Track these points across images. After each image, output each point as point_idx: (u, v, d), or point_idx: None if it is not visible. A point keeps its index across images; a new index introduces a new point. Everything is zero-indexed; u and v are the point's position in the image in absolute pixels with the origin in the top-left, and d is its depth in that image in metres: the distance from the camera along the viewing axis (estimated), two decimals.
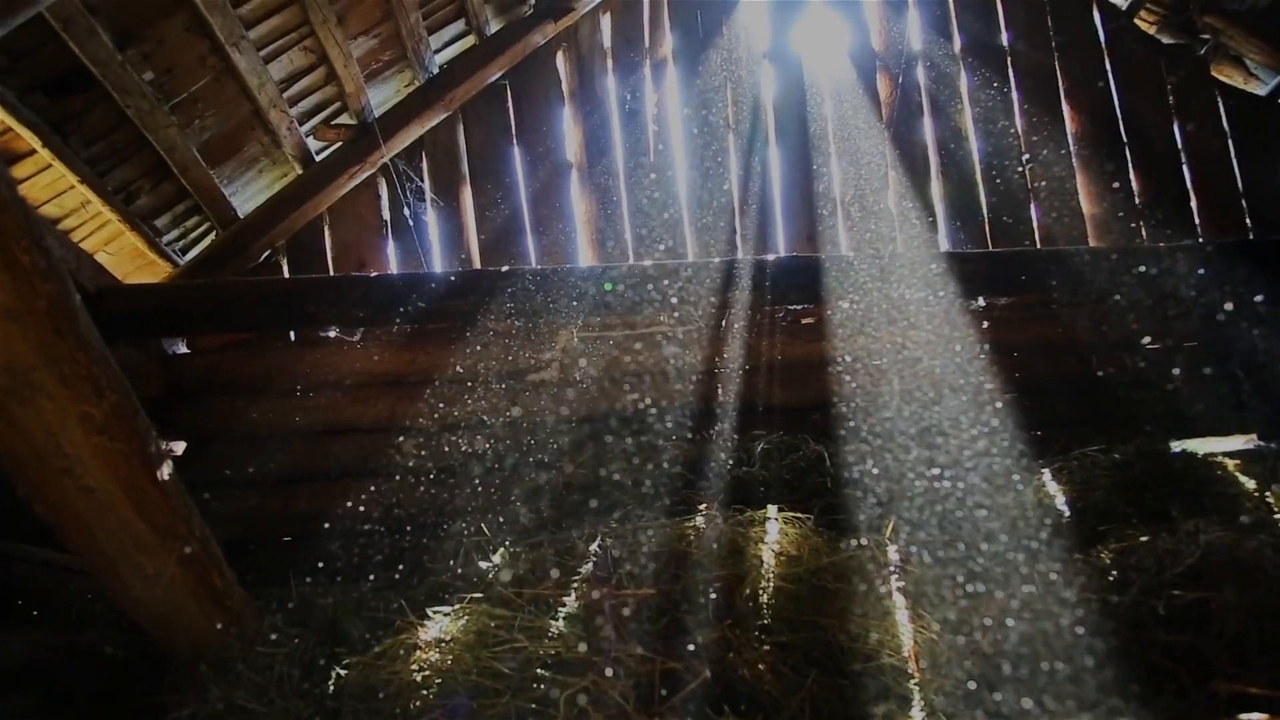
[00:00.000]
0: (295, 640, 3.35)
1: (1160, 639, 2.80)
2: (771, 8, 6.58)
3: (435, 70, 5.96)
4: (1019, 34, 6.65)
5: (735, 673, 2.92)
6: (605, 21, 6.40)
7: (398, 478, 4.69)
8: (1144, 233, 6.40)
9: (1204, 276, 5.10)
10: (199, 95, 4.90)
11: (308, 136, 5.61)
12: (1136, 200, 6.45)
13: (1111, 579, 3.12)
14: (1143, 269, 5.05)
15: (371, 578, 3.98)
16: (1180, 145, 6.56)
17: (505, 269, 5.05)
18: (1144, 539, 3.25)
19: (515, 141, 6.17)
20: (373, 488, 4.69)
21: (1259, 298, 4.90)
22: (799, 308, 5.30)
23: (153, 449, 2.60)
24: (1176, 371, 5.49)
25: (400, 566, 4.05)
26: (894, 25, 6.59)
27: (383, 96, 5.89)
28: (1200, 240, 6.17)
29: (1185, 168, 6.52)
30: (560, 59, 6.32)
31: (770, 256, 5.45)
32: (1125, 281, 5.30)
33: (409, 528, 4.46)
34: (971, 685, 3.00)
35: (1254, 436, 5.14)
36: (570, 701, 2.76)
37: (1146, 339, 5.31)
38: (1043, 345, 5.43)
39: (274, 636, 3.37)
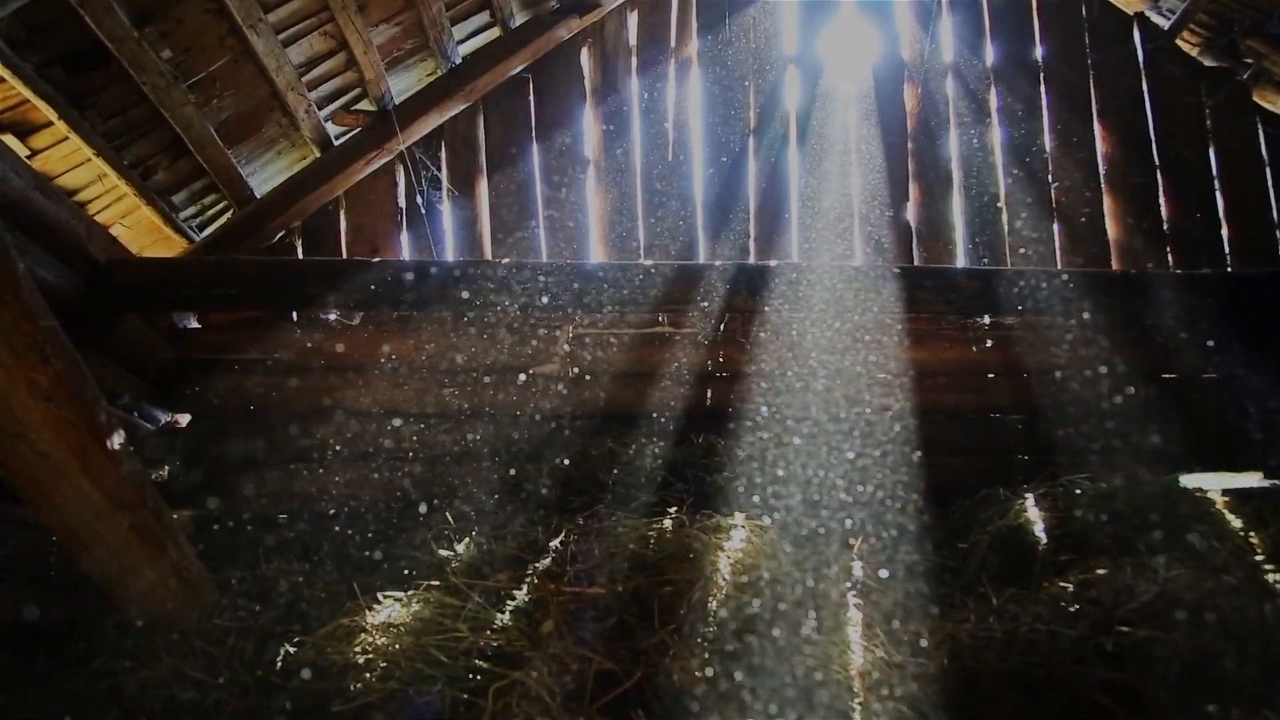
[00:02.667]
0: (253, 616, 3.41)
1: (1102, 676, 2.73)
2: (801, 12, 6.53)
3: (457, 60, 6.02)
4: (1054, 51, 6.52)
5: (669, 678, 2.91)
6: (631, 19, 6.40)
7: (383, 462, 4.76)
8: (1170, 258, 6.23)
9: (1214, 307, 4.97)
10: (217, 75, 5.00)
11: (326, 121, 5.69)
12: (1165, 225, 6.28)
13: (1066, 610, 3.05)
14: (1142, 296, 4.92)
15: (343, 559, 4.04)
16: (1215, 171, 6.38)
17: (505, 260, 5.09)
18: (1101, 571, 3.18)
19: (534, 135, 6.21)
20: (360, 471, 4.77)
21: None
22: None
23: (102, 418, 2.66)
24: (1187, 403, 5.38)
25: (372, 550, 4.10)
26: (925, 36, 6.49)
27: (404, 84, 5.96)
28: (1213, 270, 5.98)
29: (1219, 194, 6.34)
30: (584, 55, 6.34)
31: (774, 262, 5.42)
32: (1139, 308, 5.18)
33: (387, 512, 4.53)
34: (912, 710, 2.97)
35: (1261, 474, 4.99)
36: (498, 694, 2.78)
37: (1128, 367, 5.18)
38: (1048, 367, 5.32)
39: (233, 610, 3.44)
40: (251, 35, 4.87)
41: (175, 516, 4.79)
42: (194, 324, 5.43)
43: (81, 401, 2.60)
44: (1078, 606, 3.07)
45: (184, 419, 5.22)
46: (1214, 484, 4.74)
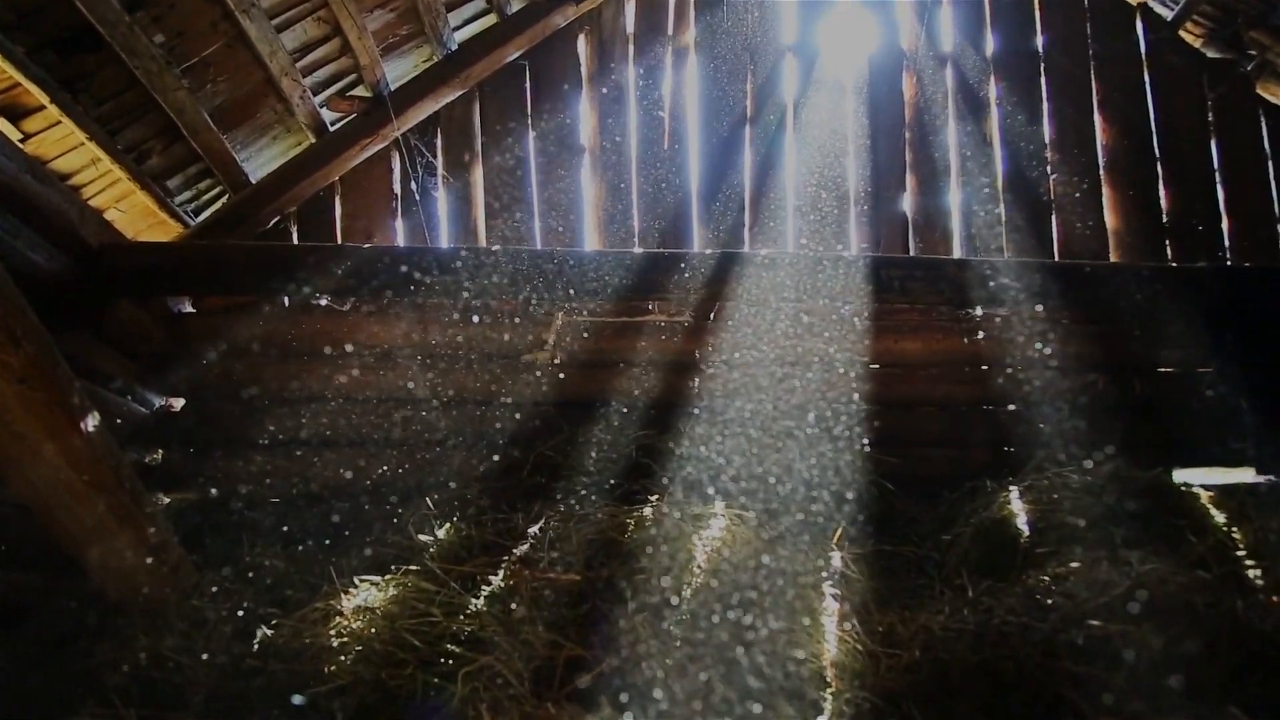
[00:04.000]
0: (233, 598, 3.44)
1: (1069, 669, 2.72)
2: (799, 1, 6.49)
3: (454, 47, 6.01)
4: (1055, 41, 6.46)
5: (638, 665, 2.92)
6: (629, 6, 6.37)
7: (371, 448, 4.79)
8: (1169, 251, 6.19)
9: (1210, 302, 4.93)
10: (211, 60, 5.01)
11: (322, 107, 5.70)
12: (1164, 218, 6.23)
13: (1039, 604, 3.05)
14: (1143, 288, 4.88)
15: (326, 543, 4.07)
16: (1217, 164, 6.33)
17: (494, 248, 5.09)
18: (1074, 564, 3.17)
19: (530, 122, 6.19)
20: (347, 455, 4.80)
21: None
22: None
23: (75, 400, 2.68)
24: (1181, 398, 5.36)
25: (355, 534, 4.12)
26: (924, 25, 6.45)
27: (400, 71, 5.95)
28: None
29: (1220, 187, 6.28)
30: (581, 42, 6.31)
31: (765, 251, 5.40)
32: (1133, 302, 5.15)
33: (372, 497, 4.55)
34: (882, 700, 2.97)
35: (1254, 470, 4.96)
36: (467, 678, 2.79)
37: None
38: (1040, 360, 5.30)
39: (214, 593, 3.47)
40: (244, 20, 4.87)
41: (167, 500, 4.89)
42: (188, 308, 5.44)
43: (54, 384, 2.63)
44: (1050, 600, 3.07)
45: (178, 403, 5.26)
46: (1207, 480, 4.74)
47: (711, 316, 5.01)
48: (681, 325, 5.00)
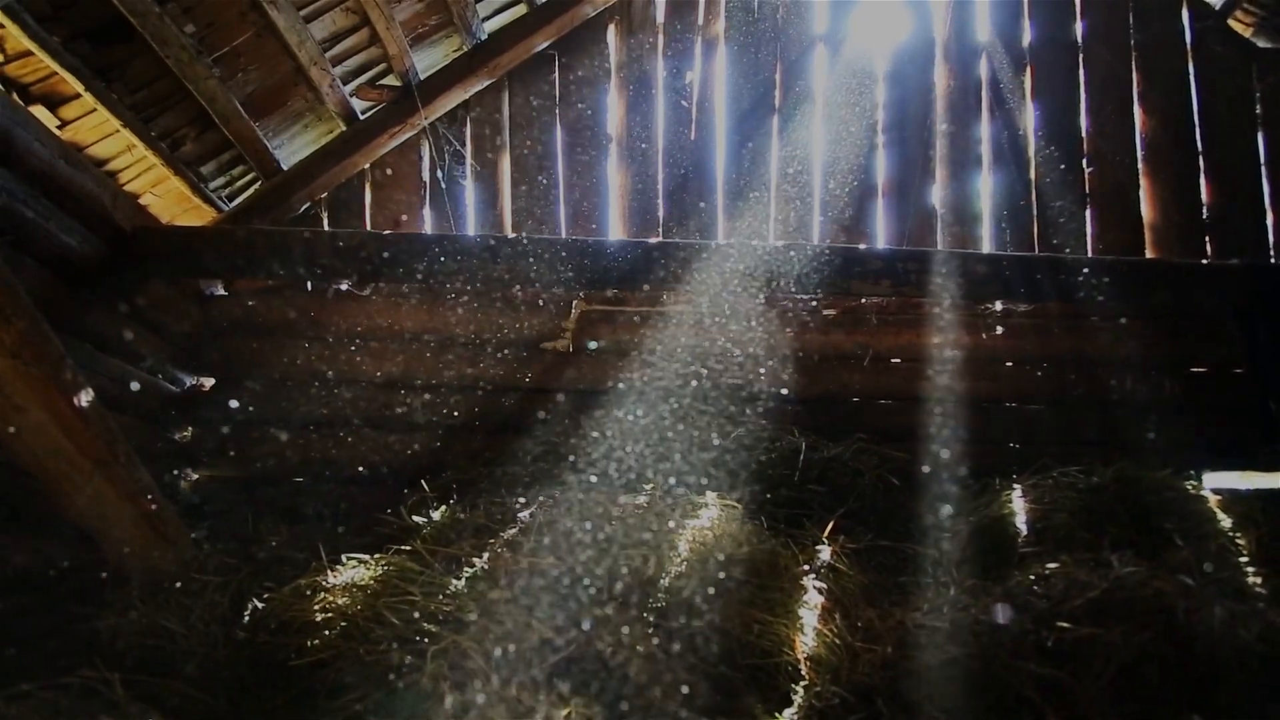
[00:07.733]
0: (231, 572, 3.56)
1: (1035, 672, 2.68)
2: None
3: (483, 37, 6.07)
4: (1095, 30, 6.29)
5: (607, 650, 2.95)
6: None
7: (387, 430, 4.90)
8: (1210, 247, 6.01)
9: (1245, 300, 4.79)
10: (241, 50, 5.14)
11: (351, 96, 5.81)
12: (1204, 213, 6.04)
13: (1015, 604, 3.00)
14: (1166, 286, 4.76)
15: (330, 521, 4.18)
16: (1263, 158, 6.11)
17: (513, 236, 5.15)
18: (1052, 565, 3.11)
19: (558, 112, 6.24)
20: (365, 438, 4.92)
21: None
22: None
23: (67, 375, 2.81)
24: (1215, 398, 5.22)
25: (358, 514, 4.23)
26: (959, 14, 6.32)
27: (430, 60, 6.04)
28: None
29: (1265, 182, 6.07)
30: (610, 31, 6.33)
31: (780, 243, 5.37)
32: (1165, 299, 5.03)
33: (383, 478, 4.66)
34: (854, 695, 2.97)
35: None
36: (436, 657, 2.86)
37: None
38: (1060, 358, 5.21)
39: (214, 566, 3.59)
40: (272, 11, 4.98)
41: (195, 476, 5.07)
42: (221, 291, 5.62)
43: (47, 360, 2.75)
44: (1026, 600, 3.02)
45: (208, 382, 5.44)
46: (1239, 484, 4.61)
47: (725, 308, 5.01)
48: (688, 316, 5.01)
